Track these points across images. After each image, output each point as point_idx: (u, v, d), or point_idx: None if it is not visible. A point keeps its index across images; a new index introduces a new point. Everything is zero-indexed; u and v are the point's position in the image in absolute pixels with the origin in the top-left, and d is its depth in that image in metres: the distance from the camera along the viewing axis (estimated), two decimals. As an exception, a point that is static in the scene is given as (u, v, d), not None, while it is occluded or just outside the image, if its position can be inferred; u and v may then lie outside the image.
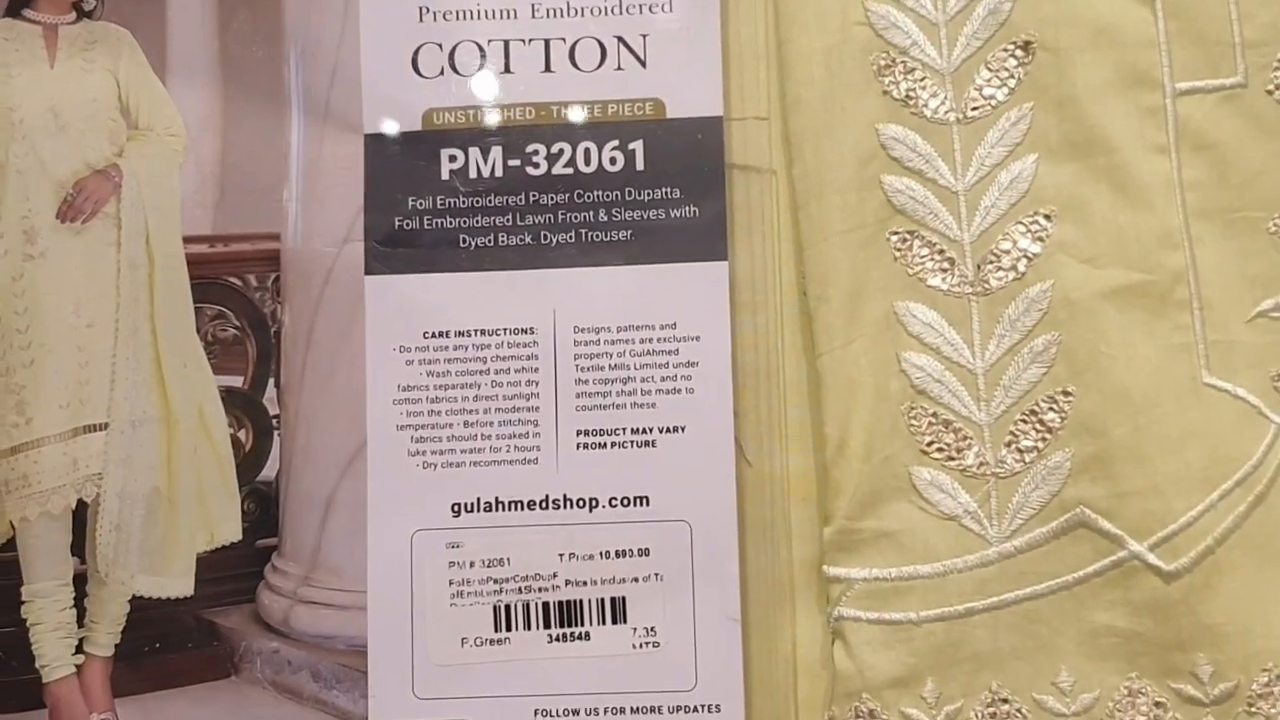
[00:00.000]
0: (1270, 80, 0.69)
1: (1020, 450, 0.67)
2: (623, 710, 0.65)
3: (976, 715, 0.65)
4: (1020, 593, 0.66)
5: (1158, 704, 0.65)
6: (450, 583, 0.66)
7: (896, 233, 0.69)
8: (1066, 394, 0.66)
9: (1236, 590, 0.65)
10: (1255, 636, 0.64)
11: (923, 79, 0.70)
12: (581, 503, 0.67)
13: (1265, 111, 0.68)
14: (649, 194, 0.69)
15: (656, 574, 0.66)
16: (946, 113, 0.70)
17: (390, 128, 0.70)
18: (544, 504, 0.67)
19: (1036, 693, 0.65)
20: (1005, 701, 0.65)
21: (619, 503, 0.67)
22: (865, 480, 0.67)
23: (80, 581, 0.68)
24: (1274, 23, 0.68)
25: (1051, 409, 0.67)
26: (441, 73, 0.70)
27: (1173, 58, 0.69)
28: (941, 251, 0.69)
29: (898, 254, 0.69)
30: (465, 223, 0.69)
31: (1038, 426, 0.67)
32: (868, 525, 0.67)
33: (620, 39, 0.70)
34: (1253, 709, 0.64)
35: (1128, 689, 0.65)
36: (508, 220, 0.69)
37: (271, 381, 0.69)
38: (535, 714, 0.65)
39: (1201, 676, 0.64)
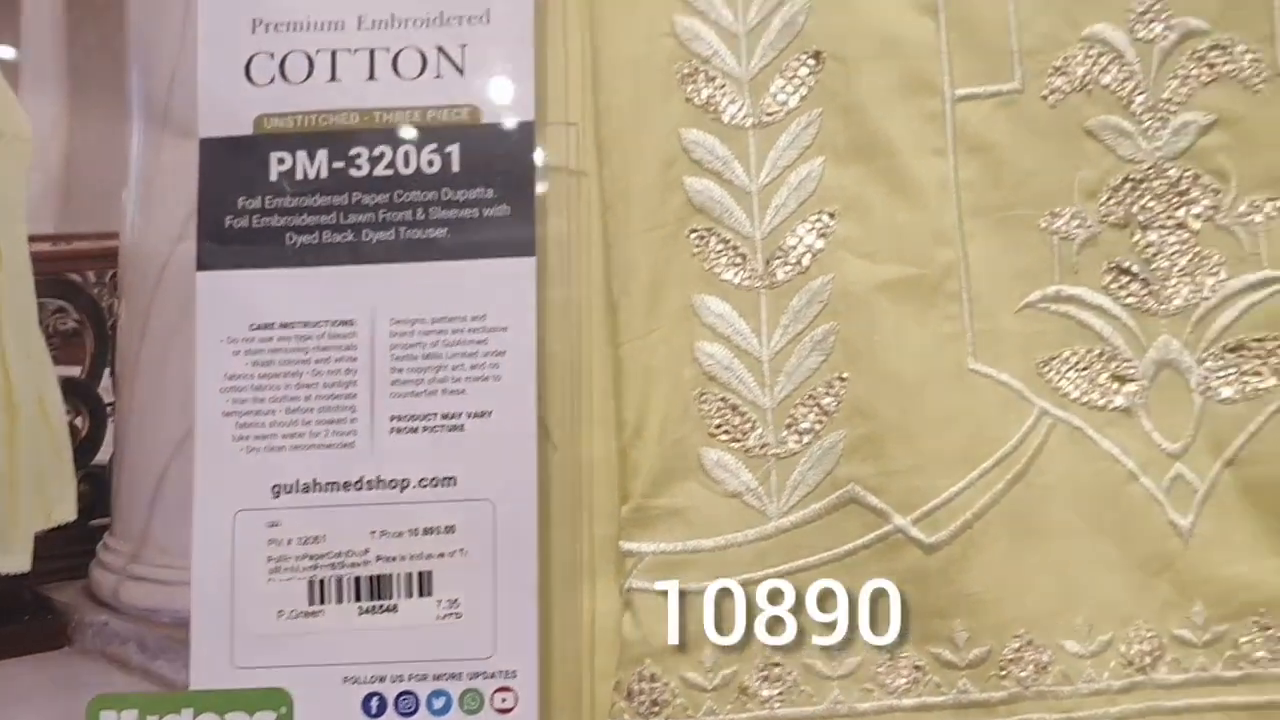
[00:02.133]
0: (1045, 86, 0.82)
1: (799, 432, 0.80)
2: (425, 676, 0.79)
3: (750, 678, 0.79)
4: (795, 564, 0.79)
5: (917, 667, 0.78)
6: (269, 559, 0.80)
7: (695, 230, 0.83)
8: (842, 379, 0.80)
9: (992, 562, 0.78)
10: (1008, 605, 0.77)
11: (722, 86, 0.83)
12: (393, 483, 0.80)
13: (1040, 115, 0.82)
14: (464, 194, 0.82)
15: (461, 549, 0.80)
16: (744, 118, 0.83)
17: (223, 132, 0.83)
18: (358, 485, 0.80)
19: (808, 658, 0.79)
20: (777, 665, 0.79)
21: (428, 483, 0.80)
22: (659, 461, 0.81)
23: (-73, 555, 0.82)
24: (1050, 32, 0.82)
25: (828, 393, 0.80)
26: (272, 81, 0.84)
27: (953, 65, 0.82)
28: (735, 248, 0.82)
29: (696, 250, 0.83)
30: (292, 221, 0.82)
31: (815, 410, 0.80)
32: (660, 503, 0.80)
33: (441, 49, 0.84)
34: (1003, 672, 0.77)
35: (889, 653, 0.78)
36: (331, 219, 0.82)
37: (108, 371, 0.83)
38: (344, 680, 0.79)
39: (958, 642, 0.78)
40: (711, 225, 0.80)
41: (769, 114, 0.81)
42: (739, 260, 0.80)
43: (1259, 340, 0.77)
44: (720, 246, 0.80)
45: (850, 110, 0.79)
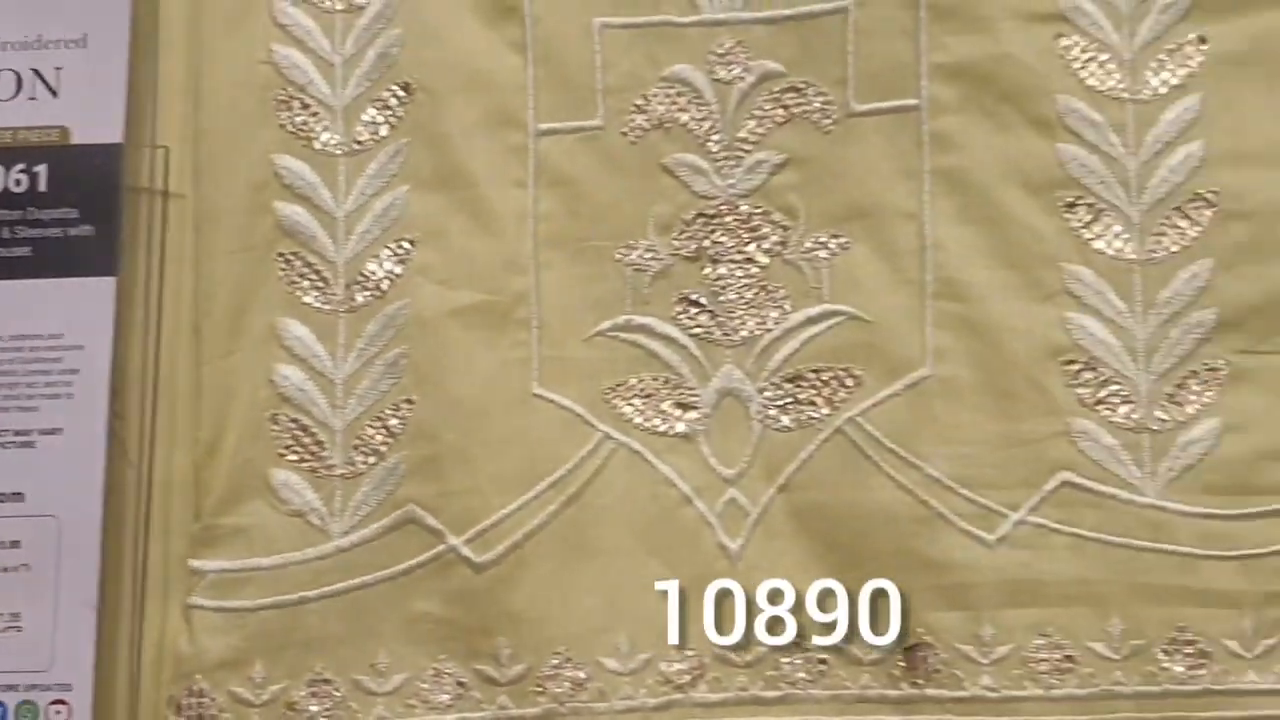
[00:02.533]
0: (626, 123, 0.87)
1: (366, 453, 0.83)
2: None
3: (298, 695, 0.81)
4: (350, 583, 0.82)
5: (460, 684, 0.81)
6: None
7: (283, 254, 0.86)
8: (410, 402, 0.83)
9: (539, 581, 0.80)
10: (551, 623, 0.80)
11: (316, 114, 0.87)
12: None
13: (620, 151, 0.86)
14: (49, 214, 0.85)
15: (25, 564, 0.82)
16: (335, 145, 0.87)
17: None
18: None
19: (355, 673, 0.81)
20: (327, 682, 0.81)
21: None
22: (228, 480, 0.83)
23: None
24: (633, 71, 0.86)
25: (395, 416, 0.84)
26: None
27: (539, 101, 0.87)
28: (319, 272, 0.86)
29: (282, 274, 0.86)
30: None
31: (383, 432, 0.83)
32: (227, 522, 0.83)
33: (36, 71, 0.87)
34: (540, 689, 0.80)
35: (435, 670, 0.81)
36: (-81, 236, 0.85)
37: None
38: None
39: (501, 659, 0.81)
40: (298, 249, 0.83)
41: (359, 142, 0.84)
42: (321, 284, 0.83)
43: (815, 371, 0.81)
44: (305, 270, 0.83)
45: (436, 141, 0.83)
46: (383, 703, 0.78)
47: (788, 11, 0.84)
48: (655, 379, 0.82)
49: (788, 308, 0.83)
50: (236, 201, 0.84)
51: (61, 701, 0.78)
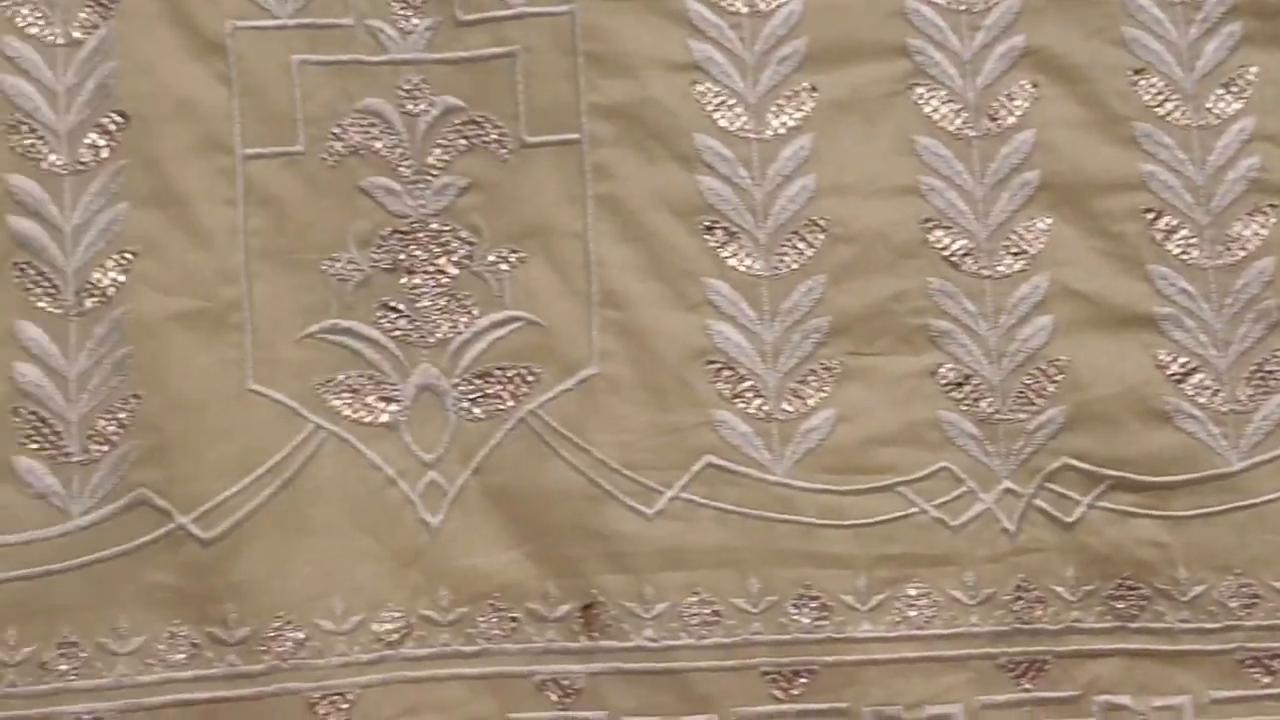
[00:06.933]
0: (325, 149, 1.01)
1: (99, 442, 0.95)
2: None
3: (49, 656, 0.96)
4: (90, 557, 0.95)
5: (194, 645, 0.96)
6: None
7: (17, 264, 0.98)
8: (137, 397, 0.97)
9: (261, 555, 0.96)
10: (273, 592, 0.95)
11: (43, 137, 1.00)
12: None
13: (319, 173, 1.00)
14: None
15: None
16: (61, 166, 1.00)
17: None
18: None
19: (99, 637, 0.96)
20: (74, 644, 0.95)
21: None
22: (-28, 469, 0.97)
23: None
24: (330, 102, 1.00)
25: (124, 409, 0.95)
26: None
27: (245, 129, 1.01)
28: (50, 280, 0.99)
29: (16, 281, 0.98)
30: None
31: (115, 423, 0.97)
32: (-27, 504, 0.96)
33: None
34: (264, 648, 0.96)
35: (170, 633, 0.97)
36: None
37: None
38: None
39: (229, 623, 0.96)
40: (31, 259, 0.96)
41: (82, 163, 0.97)
42: (54, 291, 0.96)
43: (501, 369, 0.98)
44: (38, 278, 0.96)
45: (151, 163, 0.96)
46: (124, 662, 0.94)
47: (465, 54, 0.99)
48: (361, 375, 0.98)
49: (475, 313, 0.99)
50: (-31, 215, 0.95)
51: None
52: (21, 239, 0.94)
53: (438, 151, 0.98)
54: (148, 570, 0.94)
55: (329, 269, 0.97)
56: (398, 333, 0.97)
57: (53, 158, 0.95)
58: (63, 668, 0.92)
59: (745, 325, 0.96)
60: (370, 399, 0.96)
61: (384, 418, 0.96)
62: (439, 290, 0.98)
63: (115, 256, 0.95)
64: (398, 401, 0.96)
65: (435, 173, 0.98)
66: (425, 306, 0.97)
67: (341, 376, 0.97)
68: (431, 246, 0.98)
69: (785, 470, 0.94)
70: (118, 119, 0.96)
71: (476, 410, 0.97)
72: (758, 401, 0.95)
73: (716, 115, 0.99)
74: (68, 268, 0.94)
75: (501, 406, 0.97)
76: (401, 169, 0.97)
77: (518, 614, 0.95)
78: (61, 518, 0.93)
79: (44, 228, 0.95)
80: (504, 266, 0.98)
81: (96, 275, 0.94)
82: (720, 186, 0.98)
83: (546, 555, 0.94)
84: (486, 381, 0.97)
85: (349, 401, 0.97)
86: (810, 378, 0.95)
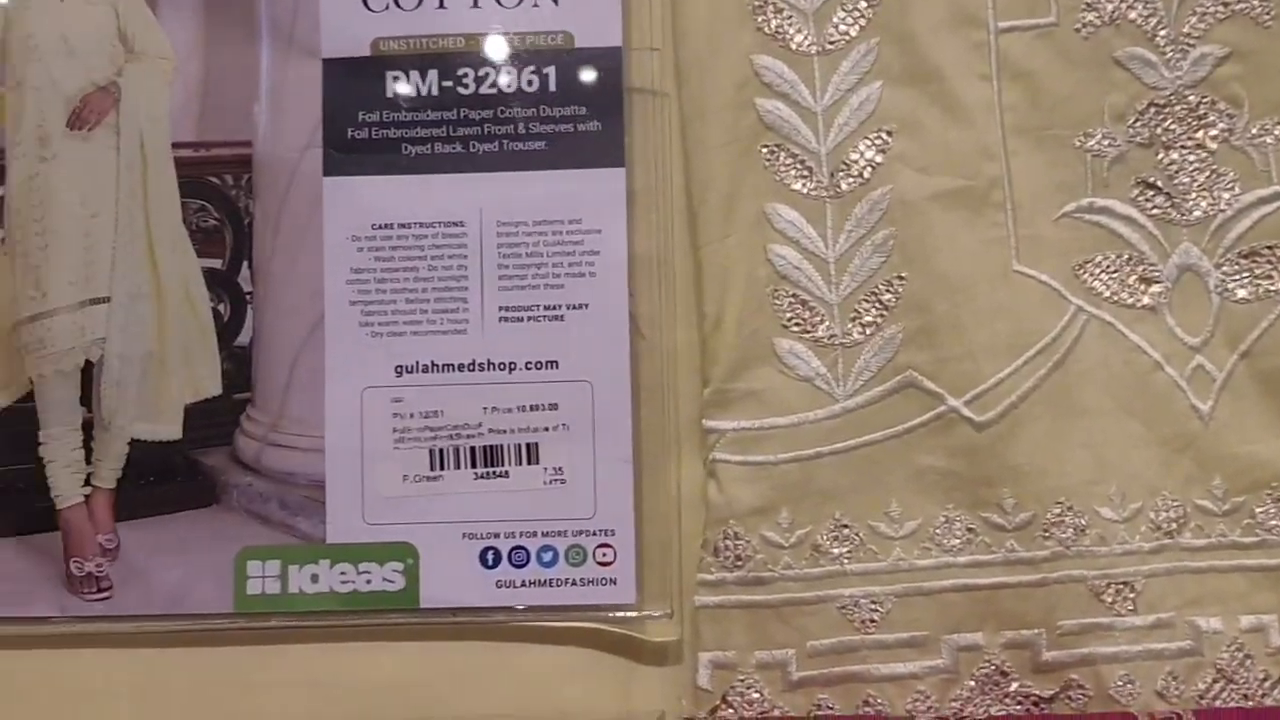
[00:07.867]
0: (1078, 20, 0.98)
1: (863, 325, 0.96)
2: (535, 534, 0.95)
3: (822, 537, 0.95)
4: (860, 440, 0.95)
5: (969, 529, 0.94)
6: (394, 430, 0.96)
7: (766, 146, 0.98)
8: (900, 278, 0.96)
9: (1035, 438, 0.94)
10: (1050, 475, 0.93)
11: (790, 18, 0.99)
12: (502, 366, 0.96)
13: (1073, 47, 0.98)
14: (559, 111, 0.98)
15: (564, 424, 0.96)
16: (809, 46, 0.99)
17: (343, 53, 0.99)
18: (471, 367, 0.96)
19: (871, 520, 0.95)
20: (846, 527, 0.95)
21: (533, 366, 0.96)
22: (736, 350, 0.96)
23: (88, 427, 0.97)
24: (1083, -27, 0.98)
25: (888, 291, 0.96)
26: (387, 8, 0.99)
27: (997, 1, 0.99)
28: (803, 162, 0.98)
29: (767, 164, 0.98)
30: (406, 134, 0.98)
31: (877, 305, 0.96)
32: (738, 386, 0.96)
33: (538, -19, 0.99)
34: (1047, 534, 0.93)
35: (945, 517, 0.94)
36: (442, 132, 0.98)
37: (246, 264, 0.99)
38: (463, 537, 0.95)
39: (1005, 508, 0.94)
40: (780, 141, 0.95)
41: (831, 42, 0.96)
42: (806, 173, 0.95)
43: (1269, 247, 0.93)
44: (789, 161, 0.95)
45: (904, 39, 0.95)
46: (900, 545, 0.91)
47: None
48: (1119, 256, 0.93)
49: (1237, 189, 0.94)
50: (721, 99, 0.95)
51: (606, 545, 0.92)
52: (771, 121, 0.93)
53: (1193, 20, 0.93)
54: (918, 453, 0.90)
55: (1083, 145, 0.93)
56: (1156, 211, 0.92)
57: (800, 38, 0.93)
58: (836, 551, 0.89)
59: None
60: (1130, 281, 0.92)
61: (1145, 300, 0.92)
62: (1198, 166, 0.94)
63: (870, 136, 0.92)
64: (1158, 283, 0.91)
65: (1192, 42, 0.92)
66: (1184, 183, 0.92)
67: (1099, 257, 0.92)
68: (1189, 120, 0.93)
69: None
70: (867, -1, 0.92)
71: (1242, 291, 0.93)
72: None
73: None
74: (820, 149, 0.92)
75: (1271, 288, 0.92)
76: (1157, 39, 0.91)
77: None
78: (828, 400, 0.91)
79: (794, 109, 0.93)
80: (1269, 139, 0.93)
81: (852, 156, 0.93)
82: None
83: None
84: (1253, 261, 0.92)
85: (1108, 283, 0.91)
86: None
